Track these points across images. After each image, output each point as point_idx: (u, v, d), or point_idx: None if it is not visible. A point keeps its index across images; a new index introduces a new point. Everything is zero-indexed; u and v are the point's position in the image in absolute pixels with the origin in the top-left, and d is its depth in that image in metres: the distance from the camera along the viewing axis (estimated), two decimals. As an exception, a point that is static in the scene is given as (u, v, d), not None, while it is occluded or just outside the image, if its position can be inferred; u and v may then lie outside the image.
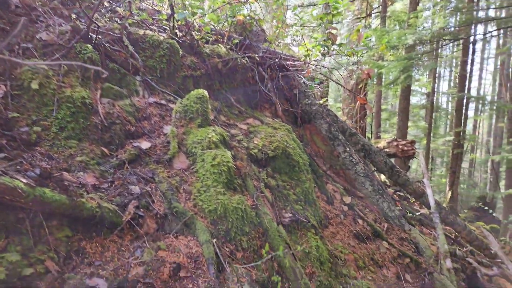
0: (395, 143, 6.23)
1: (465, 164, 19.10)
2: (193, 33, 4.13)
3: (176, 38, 3.88)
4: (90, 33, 3.01)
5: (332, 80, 6.82)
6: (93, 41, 3.02)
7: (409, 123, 12.08)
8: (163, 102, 3.16)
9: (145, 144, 2.80)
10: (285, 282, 2.75)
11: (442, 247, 4.64)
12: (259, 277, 2.55)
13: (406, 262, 4.07)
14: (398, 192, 7.87)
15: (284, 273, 2.75)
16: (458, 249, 5.10)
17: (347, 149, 4.61)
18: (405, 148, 6.07)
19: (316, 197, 3.97)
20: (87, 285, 1.87)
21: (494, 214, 12.62)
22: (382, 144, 6.49)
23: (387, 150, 6.34)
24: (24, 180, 1.87)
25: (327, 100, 7.56)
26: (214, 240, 2.45)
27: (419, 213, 6.78)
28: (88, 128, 2.61)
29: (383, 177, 7.94)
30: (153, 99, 3.13)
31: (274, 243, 2.80)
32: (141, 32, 3.58)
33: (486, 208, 11.80)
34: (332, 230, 3.84)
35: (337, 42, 4.91)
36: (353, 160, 4.60)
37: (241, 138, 3.28)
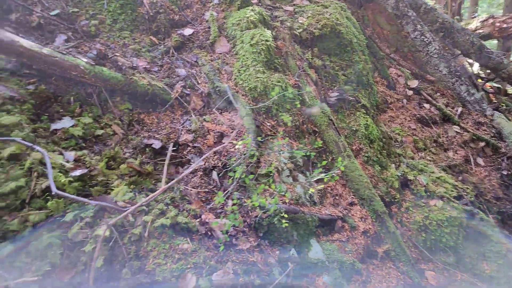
0: (491, 21, 5.13)
1: None
2: None
3: None
4: None
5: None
6: None
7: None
8: (203, -12, 3.17)
9: (187, 31, 2.94)
10: (329, 155, 2.85)
11: (535, 132, 4.04)
12: (301, 148, 2.70)
13: (481, 146, 3.73)
14: (494, 84, 6.80)
15: (328, 147, 2.84)
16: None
17: (418, 27, 4.03)
18: (504, 25, 4.97)
19: (375, 82, 3.73)
20: (145, 144, 2.28)
21: None
22: (474, 24, 5.41)
23: (481, 30, 5.29)
24: (85, 60, 2.23)
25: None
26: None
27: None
28: (137, 19, 2.85)
29: (476, 67, 6.84)
30: (194, -14, 3.16)
31: (317, 119, 2.85)
32: None
33: None
34: (391, 114, 3.66)
35: None
36: (426, 39, 4.03)
37: (284, 19, 3.16)
